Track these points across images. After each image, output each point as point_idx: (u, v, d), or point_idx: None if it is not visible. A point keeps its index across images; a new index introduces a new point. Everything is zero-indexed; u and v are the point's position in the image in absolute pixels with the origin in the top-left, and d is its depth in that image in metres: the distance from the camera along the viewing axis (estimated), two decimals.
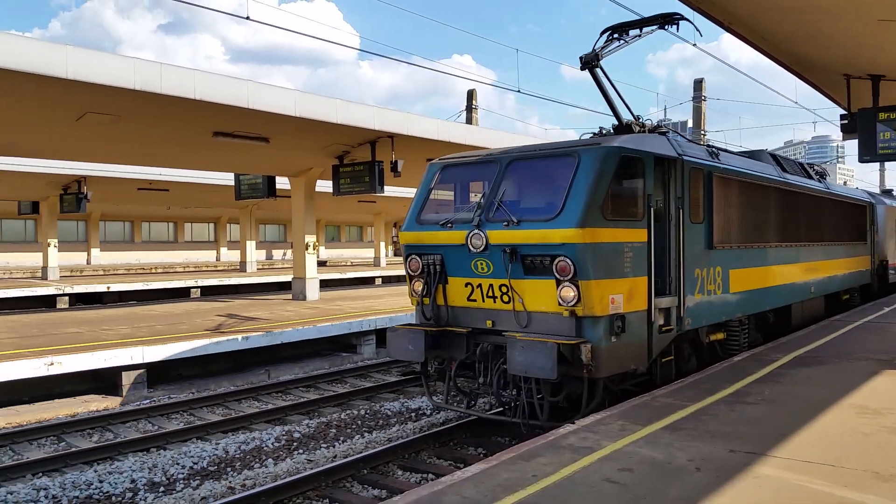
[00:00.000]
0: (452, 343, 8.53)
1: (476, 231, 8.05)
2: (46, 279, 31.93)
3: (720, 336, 10.24)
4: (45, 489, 7.62)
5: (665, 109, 47.20)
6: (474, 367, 8.38)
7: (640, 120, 9.08)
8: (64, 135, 16.20)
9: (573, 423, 6.72)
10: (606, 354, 7.44)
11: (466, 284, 8.39)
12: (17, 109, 13.73)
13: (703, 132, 34.45)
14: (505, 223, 7.83)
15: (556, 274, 7.46)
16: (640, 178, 8.11)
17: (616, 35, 8.87)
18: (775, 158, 13.26)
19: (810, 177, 14.93)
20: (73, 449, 9.38)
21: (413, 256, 8.85)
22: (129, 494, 7.58)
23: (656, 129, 9.15)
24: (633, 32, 8.89)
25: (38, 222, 41.27)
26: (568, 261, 7.33)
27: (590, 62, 8.53)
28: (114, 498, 7.50)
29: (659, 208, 8.65)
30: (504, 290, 7.97)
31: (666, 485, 4.98)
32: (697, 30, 9.79)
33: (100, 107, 13.50)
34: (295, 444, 9.28)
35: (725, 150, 11.12)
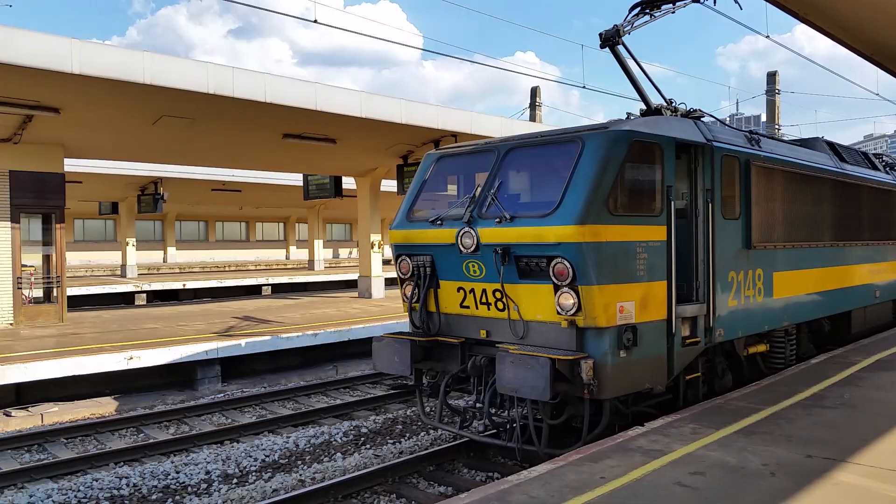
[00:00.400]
0: (444, 354, 7.78)
1: (467, 229, 7.15)
2: (125, 277, 33.32)
3: (762, 348, 9.07)
4: (126, 477, 7.96)
5: (737, 103, 45.90)
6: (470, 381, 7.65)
7: (674, 104, 8.21)
8: (141, 137, 16.88)
9: (643, 425, 6.60)
10: (613, 372, 6.45)
11: (459, 289, 7.56)
12: (99, 114, 14.39)
13: (777, 126, 33.32)
14: (497, 220, 6.92)
15: (553, 278, 6.55)
16: (657, 167, 7.07)
17: (647, 10, 8.23)
18: (832, 147, 11.84)
19: (876, 168, 13.51)
20: (152, 440, 9.78)
21: (403, 258, 8.05)
22: (203, 485, 7.85)
23: (690, 114, 8.29)
24: (665, 7, 8.23)
25: (117, 222, 43.10)
26: (566, 263, 6.40)
27: (610, 39, 7.78)
28: (189, 488, 7.78)
29: (683, 202, 7.78)
30: (498, 295, 7.11)
31: (740, 490, 4.85)
32: (736, 1, 8.69)
33: (175, 110, 14.00)
34: (362, 439, 9.43)
35: (770, 137, 10.12)
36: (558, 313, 6.57)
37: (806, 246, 9.84)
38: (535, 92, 34.61)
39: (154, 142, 17.49)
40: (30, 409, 11.39)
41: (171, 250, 49.08)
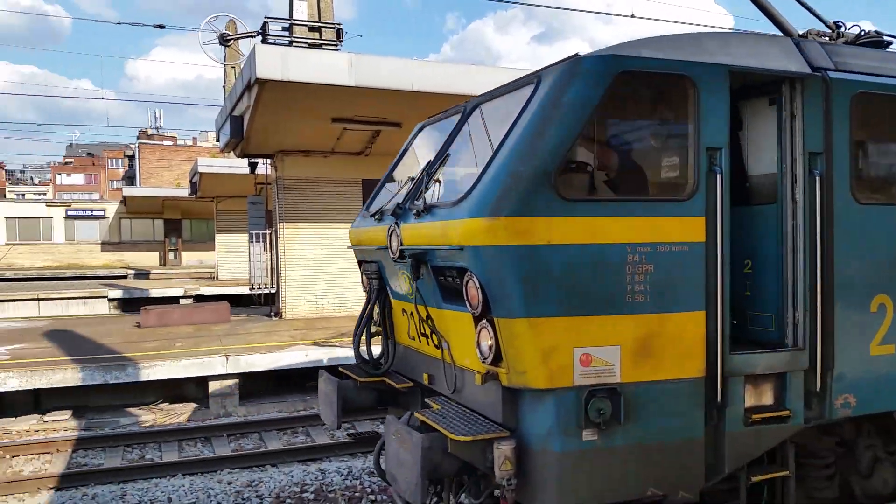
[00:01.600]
0: (405, 399, 5.74)
1: (393, 225, 4.94)
2: None
3: None
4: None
5: None
6: None
7: (842, 28, 5.52)
8: None
9: None
10: (565, 466, 3.83)
11: (403, 311, 5.43)
12: None
13: None
14: (415, 212, 4.62)
15: (467, 303, 4.15)
16: (684, 117, 4.24)
17: None
18: None
19: None
20: None
21: (362, 265, 6.04)
22: None
23: (860, 38, 5.47)
24: None
25: None
26: (475, 280, 3.98)
27: None
28: None
29: (754, 174, 4.98)
30: (431, 324, 4.86)
31: None
32: None
33: None
34: None
35: None
36: (479, 360, 4.14)
37: None
38: None
39: None
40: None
41: None
